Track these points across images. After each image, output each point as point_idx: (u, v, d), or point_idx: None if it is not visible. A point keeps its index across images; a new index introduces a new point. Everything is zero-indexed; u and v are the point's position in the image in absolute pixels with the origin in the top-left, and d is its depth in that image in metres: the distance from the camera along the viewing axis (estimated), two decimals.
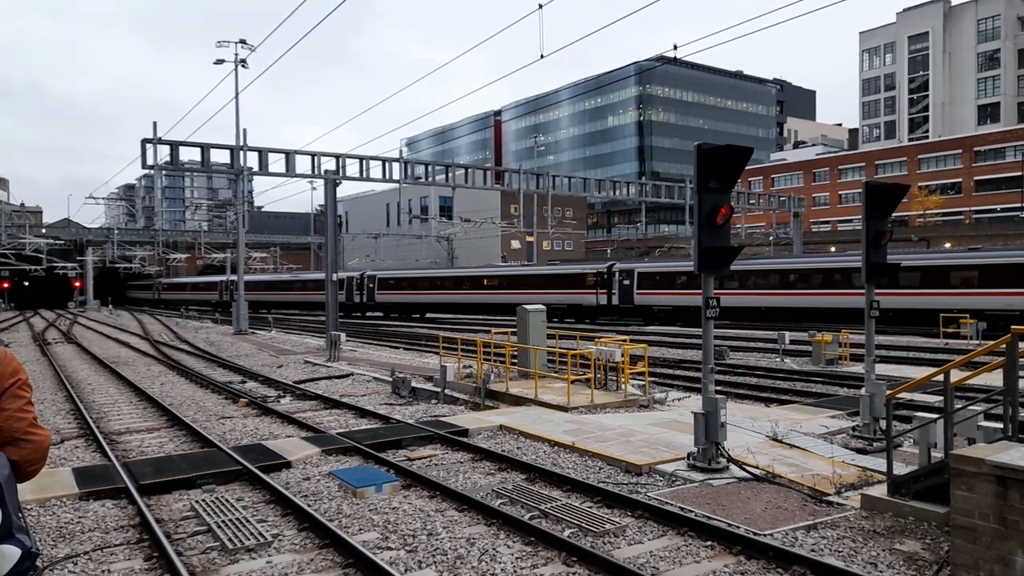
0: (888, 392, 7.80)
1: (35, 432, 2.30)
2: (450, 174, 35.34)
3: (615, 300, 39.42)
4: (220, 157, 27.73)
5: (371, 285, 52.78)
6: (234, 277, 68.52)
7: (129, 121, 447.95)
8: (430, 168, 33.87)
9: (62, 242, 75.48)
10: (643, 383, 13.96)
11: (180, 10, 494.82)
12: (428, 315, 51.43)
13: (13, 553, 2.08)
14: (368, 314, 54.72)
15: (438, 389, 15.00)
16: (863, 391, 10.77)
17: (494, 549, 6.30)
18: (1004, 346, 6.17)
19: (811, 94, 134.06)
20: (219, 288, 71.75)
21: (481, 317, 46.40)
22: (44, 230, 78.48)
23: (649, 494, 7.77)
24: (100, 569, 6.08)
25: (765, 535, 6.43)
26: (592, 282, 40.57)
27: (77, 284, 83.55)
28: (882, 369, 15.36)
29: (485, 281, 46.70)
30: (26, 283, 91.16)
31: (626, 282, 38.90)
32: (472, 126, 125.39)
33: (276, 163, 27.92)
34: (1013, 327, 6.14)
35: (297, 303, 64.26)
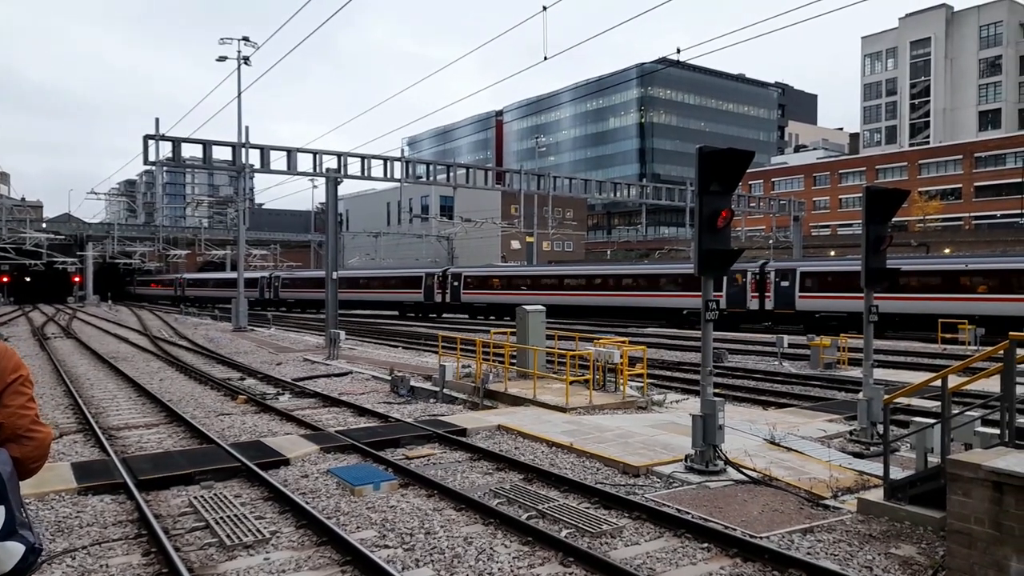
0: (886, 397, 7.82)
1: (37, 429, 2.28)
2: (451, 174, 35.36)
3: None
4: (221, 154, 27.75)
5: (790, 283, 33.26)
6: (465, 269, 47.76)
7: (114, 114, 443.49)
8: (431, 168, 33.89)
9: (62, 237, 75.55)
10: (641, 385, 13.98)
11: (158, 2, 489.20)
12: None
13: (17, 550, 2.09)
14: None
15: (437, 388, 15.02)
16: (861, 395, 10.79)
17: (491, 548, 6.32)
18: (1002, 352, 6.19)
19: (812, 98, 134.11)
20: (429, 282, 48.28)
21: None
22: (44, 225, 78.51)
23: (646, 495, 7.79)
24: (98, 563, 6.10)
25: (761, 538, 6.46)
26: None
27: (77, 279, 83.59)
28: (880, 374, 15.39)
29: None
30: (26, 278, 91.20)
31: None
32: (474, 126, 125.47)
33: (278, 161, 27.95)
34: (1011, 333, 6.16)
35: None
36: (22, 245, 67.29)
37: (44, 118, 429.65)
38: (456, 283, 46.72)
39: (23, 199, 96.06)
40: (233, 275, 72.77)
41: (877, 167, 79.34)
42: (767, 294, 33.80)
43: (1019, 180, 67.83)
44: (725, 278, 34.77)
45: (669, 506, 7.38)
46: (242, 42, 37.53)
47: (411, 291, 49.75)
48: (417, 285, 49.20)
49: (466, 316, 46.27)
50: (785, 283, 33.45)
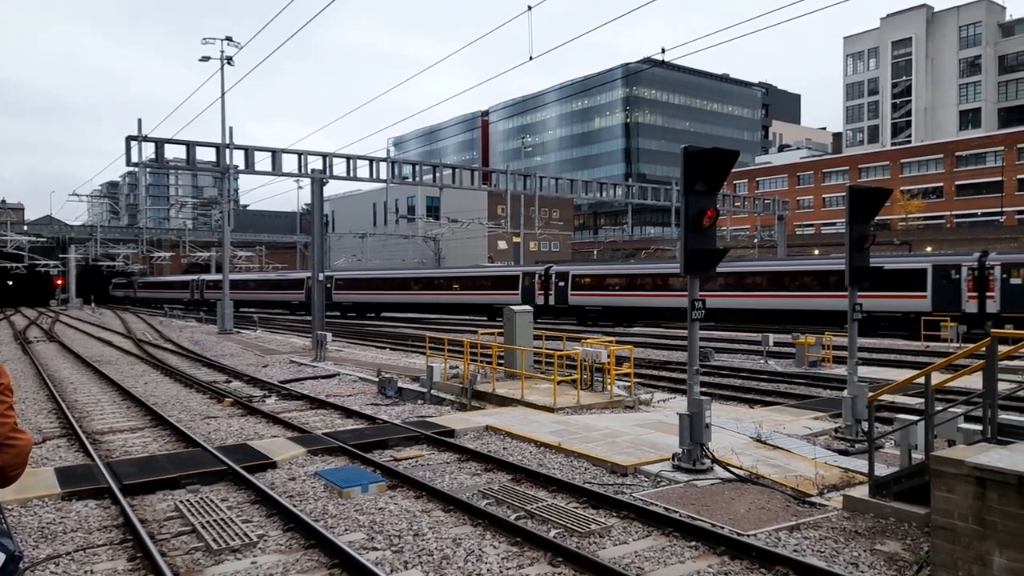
0: (870, 394, 7.89)
1: (16, 437, 2.24)
2: (437, 174, 35.30)
3: None
4: (205, 155, 27.55)
5: None
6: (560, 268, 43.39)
7: (92, 115, 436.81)
8: (417, 168, 33.82)
9: (44, 239, 74.62)
10: (629, 384, 14.02)
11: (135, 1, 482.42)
12: None
13: None
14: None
15: (424, 390, 14.98)
16: (845, 393, 10.88)
17: (480, 549, 6.32)
18: (984, 349, 6.26)
19: (796, 98, 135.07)
20: (528, 282, 43.98)
21: None
22: (26, 227, 77.57)
23: (634, 495, 7.82)
24: (83, 570, 6.04)
25: (749, 535, 6.50)
26: None
27: (59, 282, 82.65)
28: (864, 371, 15.52)
29: None
30: (8, 281, 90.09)
31: None
32: (459, 127, 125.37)
33: (262, 162, 27.78)
34: (993, 331, 6.23)
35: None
36: (3, 248, 66.53)
37: (19, 117, 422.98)
38: (562, 283, 42.22)
39: (3, 201, 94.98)
40: (273, 276, 69.52)
41: (860, 166, 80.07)
42: (990, 294, 27.79)
43: (999, 179, 68.69)
44: (929, 274, 28.68)
45: (657, 505, 7.40)
46: (225, 42, 37.30)
47: (506, 292, 45.38)
48: (514, 286, 45.18)
49: (574, 320, 41.30)
50: (1018, 280, 27.44)
